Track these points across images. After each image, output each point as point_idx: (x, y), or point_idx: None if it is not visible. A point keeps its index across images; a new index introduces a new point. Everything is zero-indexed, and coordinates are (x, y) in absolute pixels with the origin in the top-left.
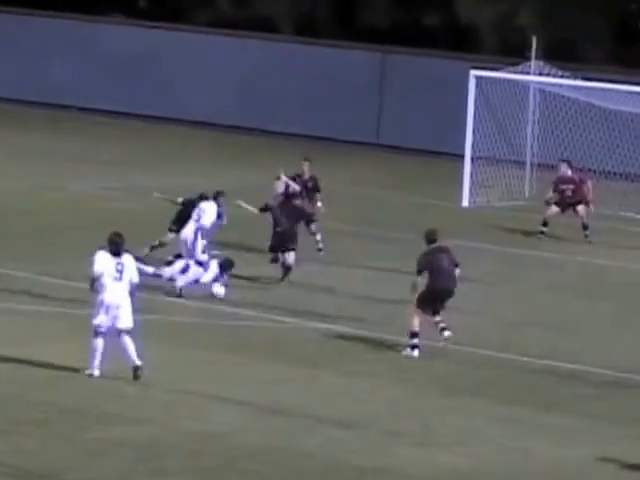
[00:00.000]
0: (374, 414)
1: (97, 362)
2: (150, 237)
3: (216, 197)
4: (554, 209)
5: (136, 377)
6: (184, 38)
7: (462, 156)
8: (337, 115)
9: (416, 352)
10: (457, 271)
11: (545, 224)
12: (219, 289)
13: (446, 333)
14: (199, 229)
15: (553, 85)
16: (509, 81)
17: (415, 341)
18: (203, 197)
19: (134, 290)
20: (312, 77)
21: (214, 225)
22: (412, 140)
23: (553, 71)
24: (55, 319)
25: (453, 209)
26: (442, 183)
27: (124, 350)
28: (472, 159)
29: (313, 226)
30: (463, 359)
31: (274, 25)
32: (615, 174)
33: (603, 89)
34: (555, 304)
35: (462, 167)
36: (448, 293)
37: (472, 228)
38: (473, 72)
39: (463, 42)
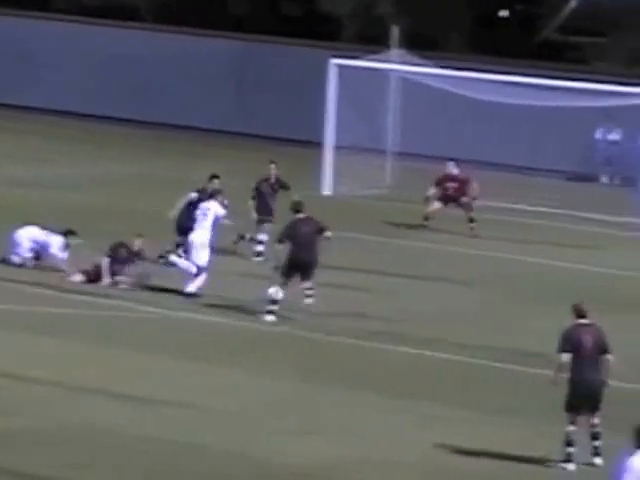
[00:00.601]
0: (245, 406)
1: None
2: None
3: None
4: (436, 205)
5: None
6: (45, 26)
7: (323, 144)
8: (197, 104)
9: (271, 317)
10: (327, 234)
11: (427, 219)
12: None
13: (308, 300)
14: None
15: (413, 73)
16: (370, 70)
17: (272, 307)
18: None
19: None
20: (171, 66)
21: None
22: (274, 129)
23: (414, 60)
24: None
25: (315, 198)
26: (304, 172)
27: None
28: (333, 148)
29: (267, 226)
30: (338, 350)
31: (134, 13)
32: (482, 163)
33: (463, 77)
34: (429, 294)
35: (324, 156)
36: (307, 264)
37: (334, 216)
38: (333, 61)
39: (323, 31)
